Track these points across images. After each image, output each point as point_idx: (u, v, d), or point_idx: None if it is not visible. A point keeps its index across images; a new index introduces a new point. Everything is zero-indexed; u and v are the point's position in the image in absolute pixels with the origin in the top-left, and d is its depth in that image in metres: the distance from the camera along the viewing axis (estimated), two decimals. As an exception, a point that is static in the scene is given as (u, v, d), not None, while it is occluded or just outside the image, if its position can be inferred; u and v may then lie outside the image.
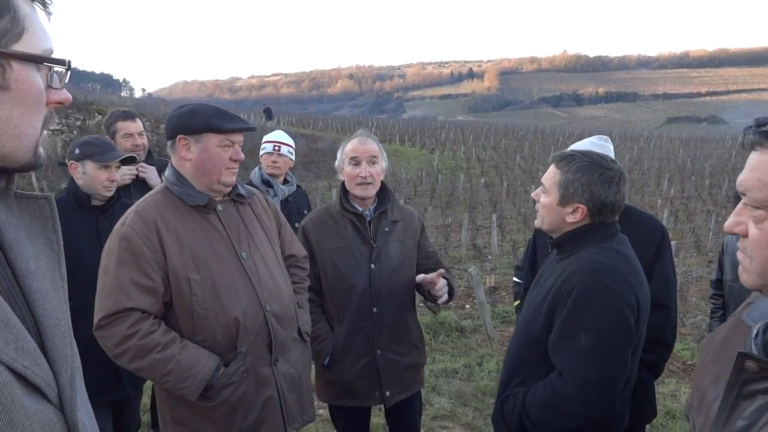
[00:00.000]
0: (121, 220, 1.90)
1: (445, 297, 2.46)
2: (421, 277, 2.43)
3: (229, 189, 1.99)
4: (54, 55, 0.83)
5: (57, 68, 0.84)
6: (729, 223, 0.91)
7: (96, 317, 1.80)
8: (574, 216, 1.72)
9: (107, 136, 3.17)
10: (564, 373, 1.61)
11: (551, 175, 1.77)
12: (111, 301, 1.78)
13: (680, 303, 6.23)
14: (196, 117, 1.90)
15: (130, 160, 2.75)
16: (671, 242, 2.35)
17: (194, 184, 1.94)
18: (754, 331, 0.89)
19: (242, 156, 1.96)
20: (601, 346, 1.58)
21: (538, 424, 1.65)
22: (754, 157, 0.87)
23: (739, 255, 0.91)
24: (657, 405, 2.54)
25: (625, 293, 1.61)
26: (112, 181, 2.65)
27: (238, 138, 1.95)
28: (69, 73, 0.85)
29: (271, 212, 2.20)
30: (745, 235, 0.88)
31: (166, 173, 2.00)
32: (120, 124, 3.22)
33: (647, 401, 2.13)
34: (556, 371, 1.65)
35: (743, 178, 0.88)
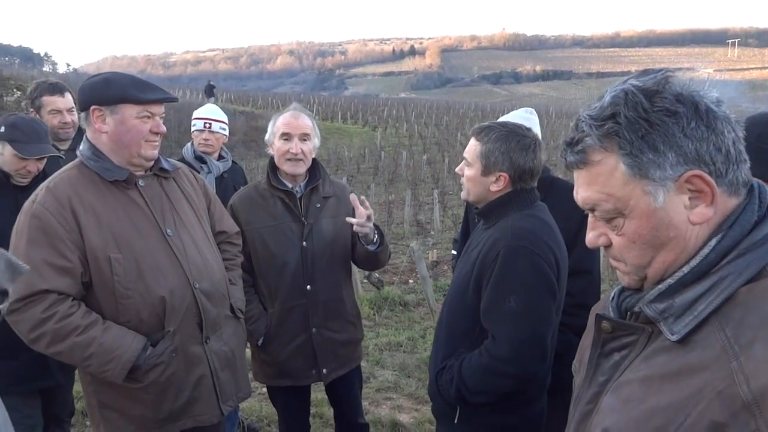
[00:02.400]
0: (30, 197, 1.78)
1: (372, 236, 2.37)
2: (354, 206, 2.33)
3: (151, 163, 1.91)
4: None
5: None
6: (590, 239, 0.90)
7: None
8: (498, 185, 1.79)
9: (32, 111, 2.87)
10: (498, 336, 1.67)
11: (472, 147, 1.83)
12: (23, 284, 1.67)
13: (609, 270, 6.55)
14: (112, 86, 1.79)
15: (54, 157, 2.56)
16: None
17: (112, 158, 1.84)
18: (611, 295, 0.95)
19: (164, 128, 1.88)
20: (531, 307, 1.66)
21: (475, 391, 1.70)
22: (583, 175, 0.86)
23: (613, 263, 0.91)
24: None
25: (546, 255, 1.70)
26: (30, 171, 2.46)
27: (159, 109, 1.86)
28: None
29: (199, 187, 2.12)
30: (609, 245, 0.88)
31: (81, 147, 1.89)
32: (46, 99, 2.88)
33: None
34: (489, 336, 1.70)
35: (585, 196, 0.86)
